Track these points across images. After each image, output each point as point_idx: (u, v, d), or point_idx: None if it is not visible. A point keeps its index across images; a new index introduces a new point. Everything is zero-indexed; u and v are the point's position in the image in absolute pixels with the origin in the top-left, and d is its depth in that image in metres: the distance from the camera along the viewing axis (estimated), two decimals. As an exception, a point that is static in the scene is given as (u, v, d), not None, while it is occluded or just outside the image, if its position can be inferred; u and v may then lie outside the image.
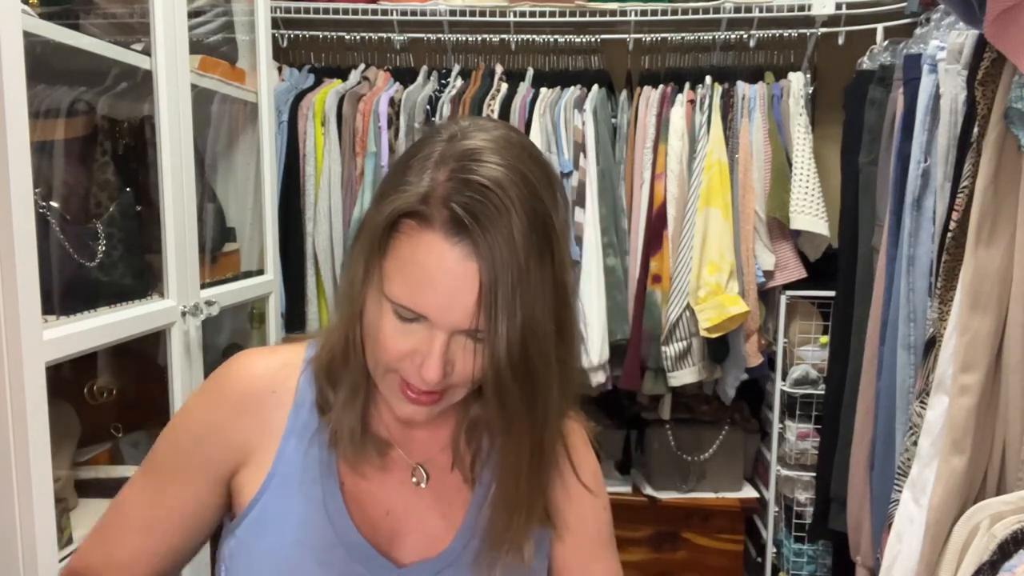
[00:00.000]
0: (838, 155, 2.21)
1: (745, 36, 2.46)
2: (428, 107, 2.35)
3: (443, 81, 2.46)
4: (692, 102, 2.30)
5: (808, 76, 2.36)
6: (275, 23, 2.45)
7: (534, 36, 2.53)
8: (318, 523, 0.76)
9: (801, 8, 2.35)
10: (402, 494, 0.80)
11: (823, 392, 2.20)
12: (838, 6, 2.34)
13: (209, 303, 1.44)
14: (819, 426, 2.22)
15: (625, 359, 2.32)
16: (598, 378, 2.29)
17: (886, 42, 2.12)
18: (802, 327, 2.35)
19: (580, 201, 2.27)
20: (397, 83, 2.44)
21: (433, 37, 2.58)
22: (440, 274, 0.65)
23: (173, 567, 0.82)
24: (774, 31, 2.43)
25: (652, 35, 2.50)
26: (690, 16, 2.41)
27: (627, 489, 2.48)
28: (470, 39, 2.56)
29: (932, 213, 1.59)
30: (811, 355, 2.33)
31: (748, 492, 2.47)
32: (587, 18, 2.42)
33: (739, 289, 2.23)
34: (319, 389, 0.78)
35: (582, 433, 0.88)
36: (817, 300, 2.31)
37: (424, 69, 2.49)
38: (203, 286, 1.49)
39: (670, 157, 2.27)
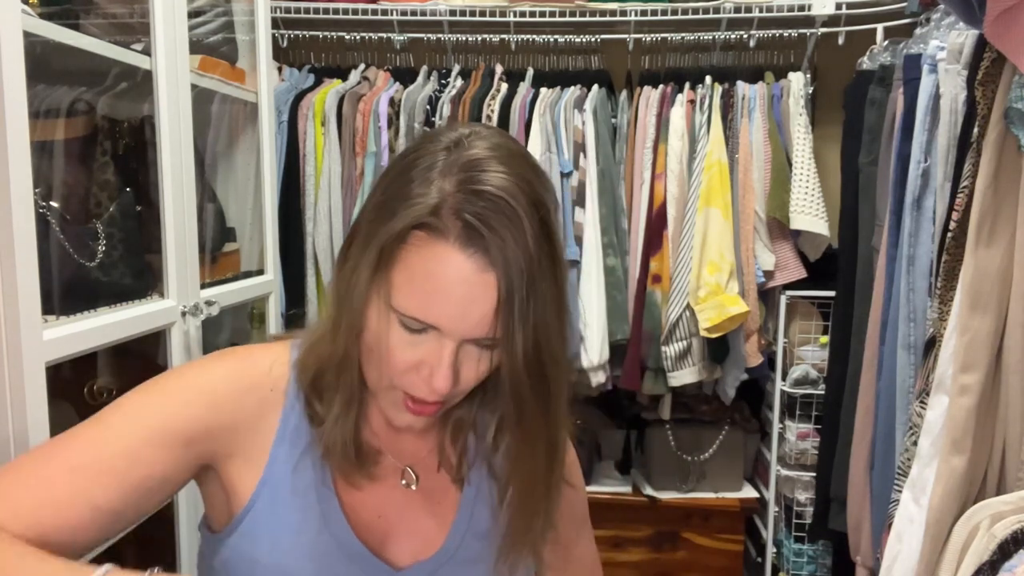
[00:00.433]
0: (838, 155, 2.21)
1: (745, 36, 2.46)
2: (428, 107, 2.35)
3: (443, 81, 2.46)
4: (692, 102, 2.30)
5: (808, 76, 2.36)
6: (275, 23, 2.45)
7: (534, 36, 2.53)
8: (315, 530, 0.75)
9: (801, 8, 2.35)
10: (393, 497, 0.80)
11: (823, 392, 2.20)
12: (838, 6, 2.34)
13: (209, 303, 1.44)
14: (819, 426, 2.22)
15: (625, 359, 2.32)
16: (598, 378, 2.29)
17: (886, 42, 2.12)
18: (802, 327, 2.35)
19: (580, 201, 2.27)
20: (397, 83, 2.44)
21: (433, 37, 2.58)
22: (455, 285, 0.65)
23: (96, 536, 0.69)
24: (774, 31, 2.43)
25: (652, 35, 2.50)
26: (690, 16, 2.41)
27: (627, 489, 2.48)
28: (470, 39, 2.56)
29: (932, 213, 1.59)
30: (811, 355, 2.33)
31: (748, 492, 2.47)
32: (587, 18, 2.42)
33: (739, 289, 2.23)
34: (307, 396, 0.77)
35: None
36: (817, 300, 2.31)
37: (424, 69, 2.50)
38: (203, 286, 1.49)
39: (670, 157, 2.27)
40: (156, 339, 1.38)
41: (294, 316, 2.32)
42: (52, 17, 1.14)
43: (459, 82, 2.45)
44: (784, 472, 2.36)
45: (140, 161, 1.40)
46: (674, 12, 2.40)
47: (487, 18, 2.44)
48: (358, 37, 2.55)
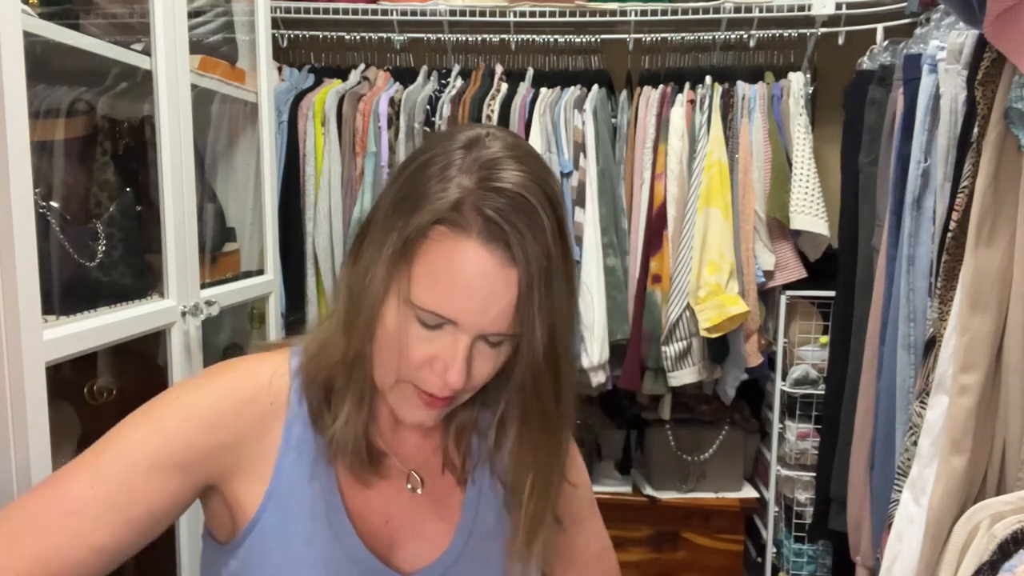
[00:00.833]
0: (838, 155, 2.21)
1: (745, 36, 2.46)
2: (428, 107, 2.35)
3: (443, 81, 2.46)
4: (692, 102, 2.30)
5: (808, 76, 2.36)
6: (275, 23, 2.45)
7: (534, 36, 2.53)
8: (324, 540, 0.75)
9: (801, 8, 2.35)
10: (400, 501, 0.80)
11: (823, 392, 2.20)
12: (838, 6, 2.34)
13: (209, 303, 1.44)
14: (819, 426, 2.22)
15: (625, 359, 2.32)
16: (598, 378, 2.29)
17: (886, 42, 2.12)
18: (802, 327, 2.35)
19: (580, 201, 2.27)
20: (397, 83, 2.44)
21: (433, 37, 2.58)
22: (477, 280, 0.66)
23: (101, 573, 0.69)
24: (774, 31, 2.43)
25: (652, 35, 2.50)
26: (690, 16, 2.41)
27: (627, 489, 2.48)
28: (470, 39, 2.56)
29: (932, 213, 1.59)
30: (811, 355, 2.33)
31: (748, 492, 2.47)
32: (587, 18, 2.42)
33: (739, 289, 2.23)
34: (311, 403, 0.76)
35: None
36: (817, 300, 2.31)
37: (424, 69, 2.50)
38: (203, 286, 1.49)
39: (670, 157, 2.27)
40: (156, 339, 1.38)
41: (294, 322, 2.32)
42: (52, 17, 1.14)
43: (459, 82, 2.45)
44: (784, 472, 2.36)
45: (140, 161, 1.40)
46: (674, 12, 2.40)
47: (487, 18, 2.44)
48: (358, 37, 2.55)
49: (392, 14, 2.45)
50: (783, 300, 2.30)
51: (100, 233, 1.25)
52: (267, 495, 0.74)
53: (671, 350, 2.26)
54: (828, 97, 2.48)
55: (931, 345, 1.31)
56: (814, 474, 2.25)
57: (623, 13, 2.39)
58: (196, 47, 1.49)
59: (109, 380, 1.39)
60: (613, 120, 2.38)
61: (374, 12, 2.46)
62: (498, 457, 0.83)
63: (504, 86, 2.41)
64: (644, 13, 2.39)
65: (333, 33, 2.55)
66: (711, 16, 2.41)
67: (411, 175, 0.70)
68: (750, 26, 2.44)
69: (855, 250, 2.02)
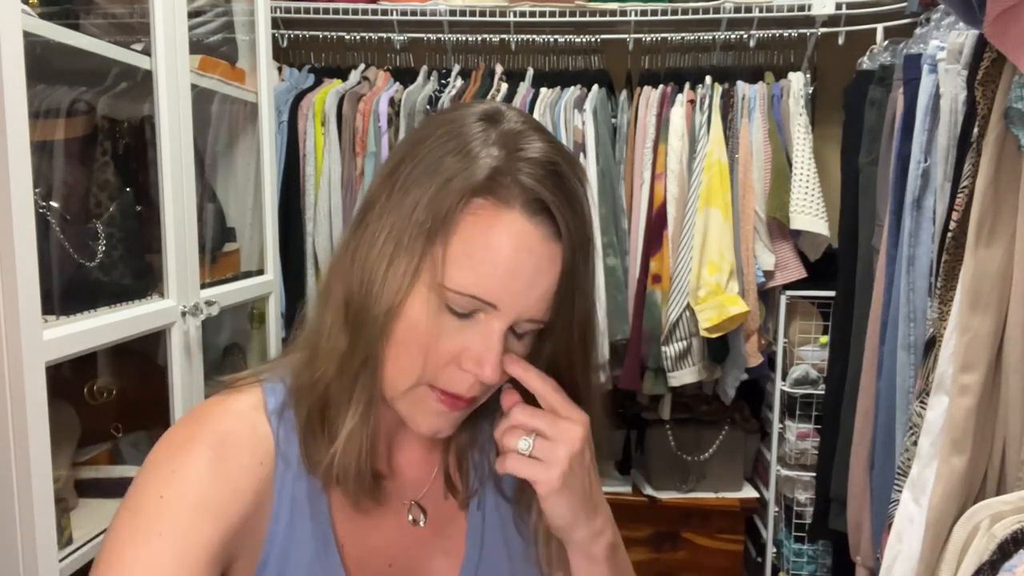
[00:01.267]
0: (838, 155, 2.21)
1: (745, 36, 2.46)
2: (428, 107, 2.35)
3: (443, 81, 2.46)
4: (692, 102, 2.30)
5: (808, 76, 2.36)
6: (275, 23, 2.45)
7: (534, 36, 2.53)
8: None
9: (801, 8, 2.35)
10: (402, 540, 0.74)
11: (823, 392, 2.20)
12: (838, 6, 2.34)
13: (209, 303, 1.44)
14: (819, 426, 2.22)
15: (625, 359, 2.32)
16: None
17: (886, 42, 2.12)
18: (802, 327, 2.35)
19: (580, 201, 2.27)
20: (397, 83, 2.44)
21: (433, 37, 2.58)
22: (523, 255, 0.60)
23: None
24: (774, 31, 2.43)
25: (652, 35, 2.50)
26: (690, 16, 2.41)
27: (627, 489, 2.48)
28: (470, 39, 2.56)
29: (932, 213, 1.59)
30: (811, 355, 2.33)
31: (748, 492, 2.47)
32: (587, 18, 2.42)
33: (739, 289, 2.23)
34: (305, 439, 0.68)
35: None
36: (817, 300, 2.32)
37: (424, 69, 2.50)
38: (203, 286, 1.49)
39: (670, 157, 2.27)
40: (156, 339, 1.39)
41: (294, 316, 2.32)
42: (52, 17, 1.15)
43: (459, 82, 2.45)
44: (784, 472, 2.36)
45: (140, 161, 1.40)
46: (674, 12, 2.40)
47: (487, 18, 2.44)
48: (358, 37, 2.55)
49: (392, 14, 2.45)
50: (783, 300, 2.30)
51: (100, 233, 1.25)
52: (260, 565, 0.67)
53: (671, 350, 2.26)
54: (828, 97, 2.48)
55: (931, 345, 1.30)
56: (814, 474, 2.25)
57: (623, 13, 2.39)
58: (196, 47, 1.49)
59: (109, 380, 1.39)
60: (613, 120, 2.38)
61: (374, 12, 2.46)
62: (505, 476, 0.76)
63: (504, 86, 2.41)
64: (644, 13, 2.39)
65: (333, 33, 2.55)
66: (711, 16, 2.41)
67: (423, 156, 0.63)
68: (750, 26, 2.44)
69: (855, 250, 2.02)
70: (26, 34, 0.99)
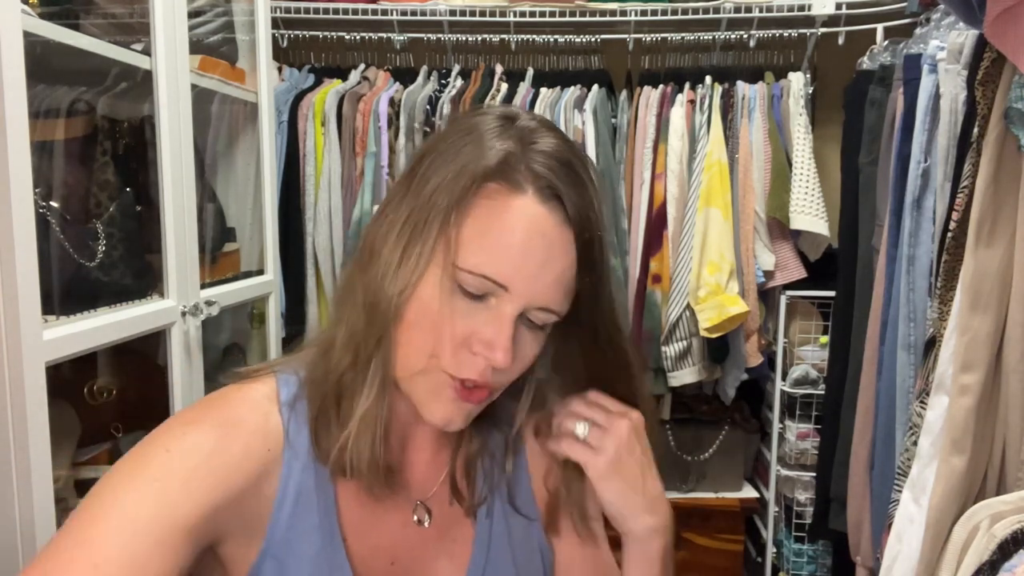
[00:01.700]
0: (838, 155, 2.21)
1: (745, 36, 2.46)
2: (428, 107, 2.35)
3: (443, 81, 2.46)
4: (692, 102, 2.30)
5: (808, 76, 2.36)
6: (275, 23, 2.45)
7: (534, 36, 2.53)
8: None
9: (801, 8, 2.35)
10: (406, 538, 0.74)
11: (823, 392, 2.20)
12: (838, 6, 2.34)
13: (209, 303, 1.44)
14: (819, 426, 2.22)
15: (625, 359, 2.31)
16: (598, 378, 2.29)
17: (886, 42, 2.12)
18: (802, 327, 2.35)
19: (580, 201, 2.27)
20: (397, 83, 2.44)
21: (433, 37, 2.58)
22: (534, 239, 0.62)
23: None
24: (774, 31, 2.43)
25: (652, 35, 2.50)
26: (690, 16, 2.41)
27: (627, 489, 2.47)
28: (470, 39, 2.56)
29: (932, 213, 1.59)
30: (811, 355, 2.33)
31: (748, 492, 2.47)
32: (587, 18, 2.42)
33: (739, 289, 2.23)
34: (317, 429, 0.69)
35: None
36: (817, 300, 2.32)
37: (424, 69, 2.49)
38: (203, 286, 1.49)
39: (670, 157, 2.27)
40: (156, 339, 1.39)
41: (294, 316, 2.32)
42: (52, 17, 1.14)
43: (459, 82, 2.45)
44: (784, 472, 2.36)
45: (140, 161, 1.40)
46: (674, 12, 2.40)
47: (487, 18, 2.44)
48: (358, 37, 2.55)
49: (392, 14, 2.44)
50: (783, 300, 2.30)
51: (100, 233, 1.25)
52: (262, 554, 0.67)
53: (671, 350, 2.26)
54: (828, 97, 2.48)
55: (931, 345, 1.30)
56: (814, 474, 2.25)
57: (623, 13, 2.39)
58: (196, 47, 1.49)
59: (109, 380, 1.39)
60: (613, 120, 2.38)
61: (374, 12, 2.46)
62: (515, 481, 0.77)
63: (504, 86, 2.41)
64: (644, 13, 2.39)
65: (333, 33, 2.55)
66: (711, 16, 2.41)
67: (443, 151, 0.66)
68: (750, 26, 2.44)
69: (855, 250, 2.02)
70: (26, 34, 0.98)
